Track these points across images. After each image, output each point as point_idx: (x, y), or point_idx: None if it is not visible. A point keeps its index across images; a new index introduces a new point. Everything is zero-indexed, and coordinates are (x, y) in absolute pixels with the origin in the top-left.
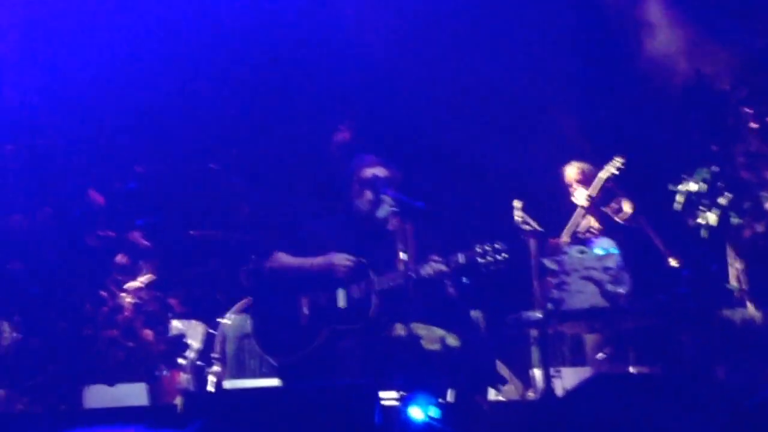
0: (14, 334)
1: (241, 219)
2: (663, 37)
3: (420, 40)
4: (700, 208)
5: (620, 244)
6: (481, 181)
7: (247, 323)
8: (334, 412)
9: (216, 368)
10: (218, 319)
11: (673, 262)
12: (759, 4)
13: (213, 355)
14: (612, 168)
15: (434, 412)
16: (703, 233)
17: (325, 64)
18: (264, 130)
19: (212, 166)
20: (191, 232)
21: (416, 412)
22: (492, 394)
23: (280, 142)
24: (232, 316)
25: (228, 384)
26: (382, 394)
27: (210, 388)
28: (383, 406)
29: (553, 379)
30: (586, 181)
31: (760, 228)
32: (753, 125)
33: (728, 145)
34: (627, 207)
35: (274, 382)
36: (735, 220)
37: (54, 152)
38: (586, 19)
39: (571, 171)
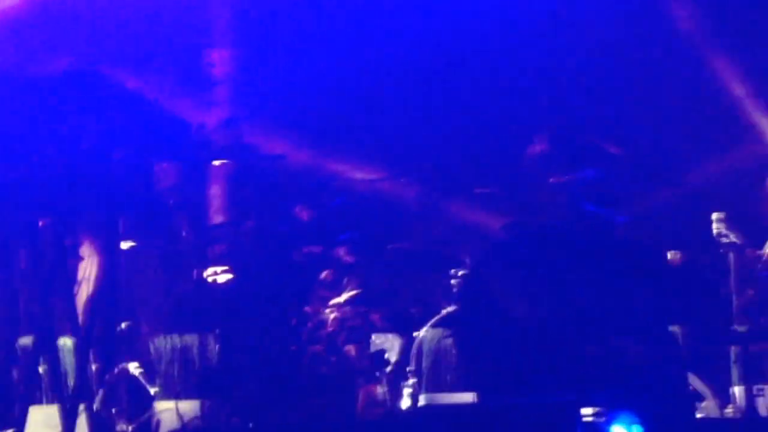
0: (217, 347)
1: (438, 232)
2: None
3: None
4: None
5: None
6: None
7: (443, 337)
8: (534, 430)
9: (412, 382)
10: (414, 333)
11: None
12: None
13: (409, 368)
14: None
15: (637, 430)
16: None
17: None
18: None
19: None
20: (389, 246)
21: (619, 431)
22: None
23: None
24: (429, 330)
25: (423, 398)
26: (583, 411)
27: (406, 402)
28: (585, 424)
29: (756, 398)
30: None
31: None
32: None
33: None
34: None
35: (470, 397)
36: None
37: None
38: None
39: None
